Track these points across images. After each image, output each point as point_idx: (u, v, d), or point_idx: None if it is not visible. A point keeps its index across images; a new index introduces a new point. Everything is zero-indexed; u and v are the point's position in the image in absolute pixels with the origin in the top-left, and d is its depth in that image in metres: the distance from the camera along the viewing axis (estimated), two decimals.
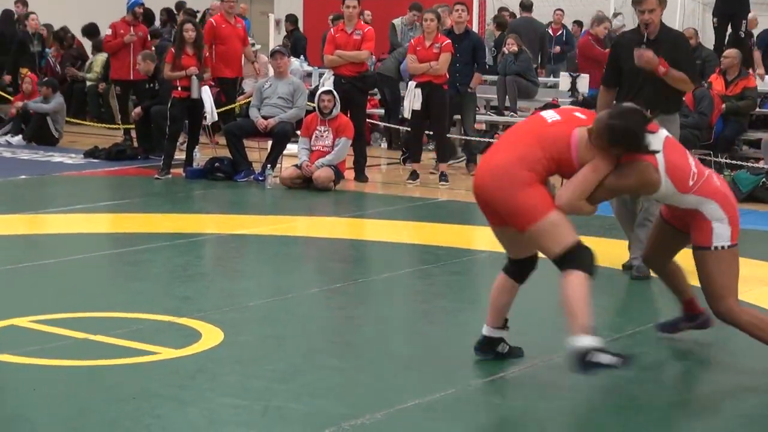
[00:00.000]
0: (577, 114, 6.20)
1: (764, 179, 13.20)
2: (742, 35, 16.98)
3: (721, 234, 6.27)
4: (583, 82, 14.51)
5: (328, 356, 6.67)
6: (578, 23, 21.38)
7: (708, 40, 17.94)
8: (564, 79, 14.75)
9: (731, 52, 15.60)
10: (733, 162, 14.01)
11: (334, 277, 9.14)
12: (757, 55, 17.38)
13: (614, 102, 8.56)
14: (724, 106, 14.71)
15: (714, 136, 14.18)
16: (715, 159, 14.24)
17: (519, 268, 6.38)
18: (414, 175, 14.27)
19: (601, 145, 5.98)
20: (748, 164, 13.78)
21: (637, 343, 7.04)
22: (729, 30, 17.12)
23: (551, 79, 18.84)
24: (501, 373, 6.28)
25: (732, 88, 15.16)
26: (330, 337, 7.19)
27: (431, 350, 6.88)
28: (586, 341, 5.82)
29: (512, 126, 6.27)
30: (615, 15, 20.44)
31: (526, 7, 19.91)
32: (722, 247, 6.28)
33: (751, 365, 6.67)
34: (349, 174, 14.23)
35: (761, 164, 13.68)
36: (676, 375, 6.76)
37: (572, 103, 14.26)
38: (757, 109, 16.14)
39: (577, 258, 5.93)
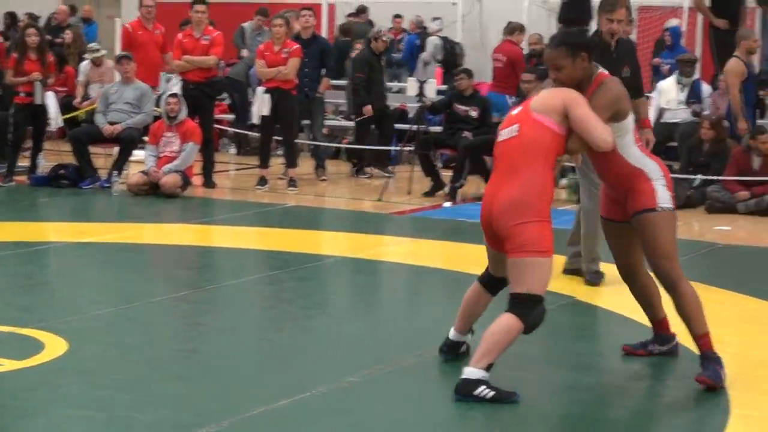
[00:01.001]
0: (514, 112, 6.28)
1: None
2: None
3: (663, 196, 6.31)
4: (431, 87, 14.60)
5: (174, 365, 6.61)
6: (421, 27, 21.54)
7: None
8: (411, 85, 14.82)
9: None
10: (571, 164, 14.21)
11: (181, 284, 9.05)
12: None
13: None
14: None
15: None
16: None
17: (496, 283, 6.48)
18: (262, 181, 14.23)
19: (565, 71, 6.21)
20: None
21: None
22: None
23: (398, 84, 18.94)
24: (349, 378, 6.29)
25: None
26: (176, 346, 7.12)
27: (278, 357, 6.87)
28: (481, 375, 5.89)
29: (498, 151, 6.18)
30: (434, 19, 20.72)
31: (359, 12, 20.16)
32: (666, 209, 6.31)
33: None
34: (198, 180, 14.12)
35: None
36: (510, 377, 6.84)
37: (420, 109, 14.34)
38: None
39: (529, 309, 5.92)
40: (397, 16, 21.59)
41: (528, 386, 6.20)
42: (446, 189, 13.77)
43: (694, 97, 15.03)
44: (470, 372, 5.90)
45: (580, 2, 17.06)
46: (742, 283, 8.97)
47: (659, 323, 6.85)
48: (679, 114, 14.99)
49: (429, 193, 13.94)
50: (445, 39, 20.05)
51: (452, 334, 6.65)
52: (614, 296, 8.55)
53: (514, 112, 6.27)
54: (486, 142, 13.87)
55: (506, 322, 5.92)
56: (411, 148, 14.57)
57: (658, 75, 17.14)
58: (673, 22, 18.62)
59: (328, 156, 16.49)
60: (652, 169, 6.37)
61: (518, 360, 6.67)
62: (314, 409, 5.84)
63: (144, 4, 15.60)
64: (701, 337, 6.29)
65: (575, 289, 8.80)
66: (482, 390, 5.85)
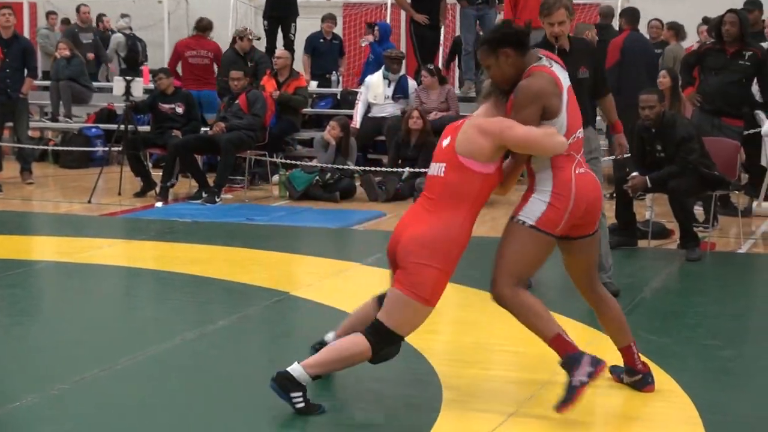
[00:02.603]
0: (445, 142, 5.79)
1: (317, 177, 13.61)
2: (292, 38, 17.44)
3: (532, 211, 5.74)
4: (138, 86, 14.37)
5: None
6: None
7: (260, 42, 18.28)
8: (118, 84, 14.55)
9: (283, 54, 15.97)
10: (288, 162, 14.35)
11: None
12: (305, 60, 17.88)
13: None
14: (276, 93, 15.07)
15: (269, 137, 14.45)
16: (271, 159, 14.53)
17: None
18: None
19: (492, 70, 5.79)
20: (302, 163, 14.17)
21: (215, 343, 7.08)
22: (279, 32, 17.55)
23: (107, 83, 18.64)
24: (59, 386, 6.12)
25: (284, 88, 15.53)
26: None
27: None
28: (306, 381, 5.67)
29: (427, 182, 5.81)
30: (123, 16, 20.55)
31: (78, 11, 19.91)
32: (522, 223, 5.73)
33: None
34: None
35: (314, 162, 14.09)
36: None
37: (127, 108, 14.12)
38: (309, 109, 16.65)
39: (385, 344, 5.70)
40: (102, 15, 21.24)
41: (237, 382, 6.21)
42: (157, 189, 13.61)
43: (400, 92, 15.34)
44: (299, 372, 5.67)
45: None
46: None
47: (621, 351, 6.21)
48: (387, 108, 15.27)
49: (140, 194, 13.76)
50: (128, 36, 19.89)
51: (330, 337, 6.28)
52: (329, 291, 8.66)
53: (445, 142, 5.78)
54: (196, 140, 13.81)
55: (359, 346, 5.71)
56: (120, 149, 14.32)
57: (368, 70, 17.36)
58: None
59: (35, 158, 16.04)
60: (544, 181, 5.78)
61: (231, 354, 6.67)
62: (23, 419, 5.66)
63: None
64: (552, 341, 5.76)
65: (288, 284, 8.85)
66: (297, 397, 5.65)
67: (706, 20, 15.78)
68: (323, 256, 10.12)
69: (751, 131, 12.02)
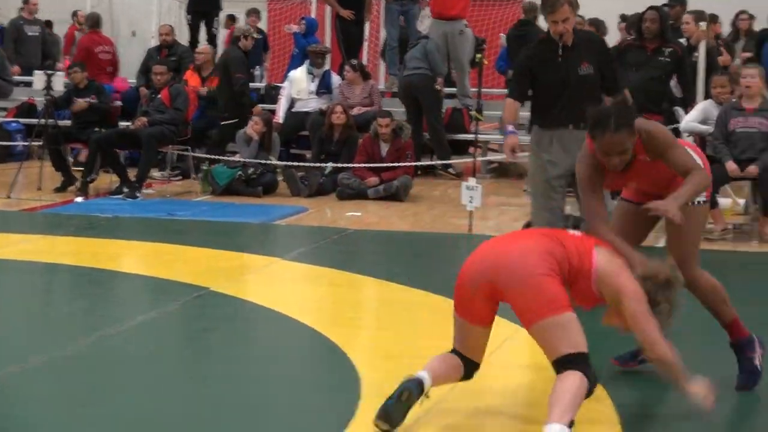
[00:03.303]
0: (597, 257, 5.43)
1: (240, 172, 13.55)
2: (216, 32, 17.37)
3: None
4: (59, 81, 14.24)
5: None
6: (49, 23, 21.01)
7: (184, 37, 18.17)
8: (39, 78, 14.39)
9: (205, 48, 15.89)
10: (211, 156, 14.26)
11: None
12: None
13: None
14: (204, 90, 15.03)
15: (191, 132, 14.36)
16: (193, 154, 14.44)
17: (471, 367, 5.60)
18: None
19: (629, 151, 5.58)
20: (225, 158, 14.09)
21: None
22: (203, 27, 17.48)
23: (27, 77, 18.40)
24: None
25: (208, 83, 15.44)
26: None
27: None
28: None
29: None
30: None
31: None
32: (698, 203, 5.80)
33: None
34: None
35: (237, 157, 14.01)
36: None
37: (48, 102, 13.93)
38: None
39: (582, 363, 5.16)
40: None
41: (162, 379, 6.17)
42: (78, 184, 13.48)
43: (324, 87, 15.33)
44: (553, 428, 4.96)
45: None
46: (373, 266, 9.21)
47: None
48: (310, 104, 15.26)
49: (60, 189, 13.62)
50: (43, 30, 19.70)
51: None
52: (251, 286, 8.64)
53: (598, 257, 5.40)
54: (118, 134, 13.70)
55: (568, 376, 5.13)
56: (40, 143, 14.16)
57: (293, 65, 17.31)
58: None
59: None
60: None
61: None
62: None
63: None
64: (729, 325, 6.01)
65: (210, 280, 8.80)
66: None
67: (623, 18, 15.93)
68: (245, 251, 10.09)
69: (670, 127, 12.13)
